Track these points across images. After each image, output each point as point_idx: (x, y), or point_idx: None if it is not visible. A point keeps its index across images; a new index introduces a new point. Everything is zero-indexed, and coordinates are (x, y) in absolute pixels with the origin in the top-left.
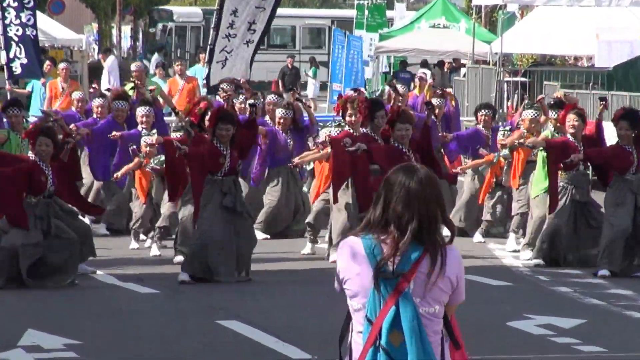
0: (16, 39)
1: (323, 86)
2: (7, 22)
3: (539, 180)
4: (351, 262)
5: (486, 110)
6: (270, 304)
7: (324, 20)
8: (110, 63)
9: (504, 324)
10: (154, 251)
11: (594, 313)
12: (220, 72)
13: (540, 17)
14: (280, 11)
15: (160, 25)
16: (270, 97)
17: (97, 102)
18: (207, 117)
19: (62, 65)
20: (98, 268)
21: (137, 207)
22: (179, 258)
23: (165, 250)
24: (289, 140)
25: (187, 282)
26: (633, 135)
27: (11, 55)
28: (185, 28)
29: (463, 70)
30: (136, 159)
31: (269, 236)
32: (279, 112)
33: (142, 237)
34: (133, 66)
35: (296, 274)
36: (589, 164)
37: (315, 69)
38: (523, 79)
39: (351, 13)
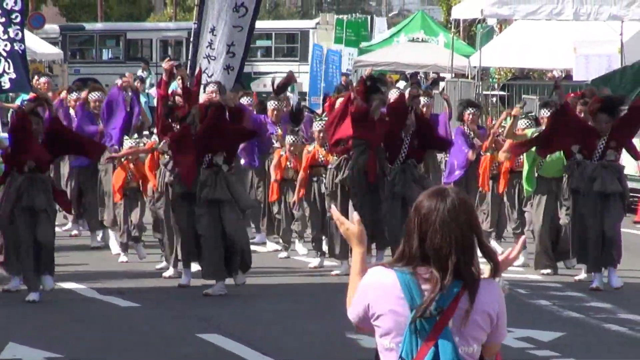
0: (4, 54)
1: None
2: None
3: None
4: (384, 297)
5: (472, 109)
6: (252, 317)
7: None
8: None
9: None
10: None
11: (572, 326)
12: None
13: (518, 31)
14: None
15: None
16: (271, 103)
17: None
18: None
19: (43, 79)
20: (79, 282)
21: (110, 207)
22: (170, 272)
23: (145, 264)
24: (276, 131)
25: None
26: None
27: (0, 70)
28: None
29: (442, 84)
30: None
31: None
32: (271, 103)
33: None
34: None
35: (278, 287)
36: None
37: (293, 85)
38: (502, 93)
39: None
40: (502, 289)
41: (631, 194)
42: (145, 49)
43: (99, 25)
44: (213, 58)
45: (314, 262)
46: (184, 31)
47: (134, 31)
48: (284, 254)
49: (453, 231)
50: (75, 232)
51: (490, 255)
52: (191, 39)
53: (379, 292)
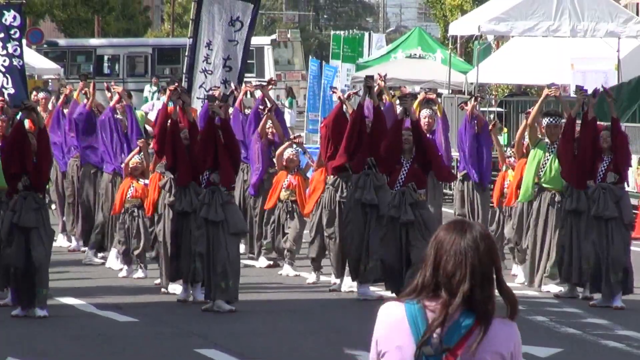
0: (3, 69)
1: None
2: None
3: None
4: (391, 332)
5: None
6: (249, 332)
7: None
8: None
9: None
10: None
11: (569, 342)
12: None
13: (515, 48)
14: None
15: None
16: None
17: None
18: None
19: (41, 95)
20: (77, 297)
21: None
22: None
23: (143, 279)
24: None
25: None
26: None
27: None
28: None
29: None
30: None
31: (271, 262)
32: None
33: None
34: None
35: (275, 303)
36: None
37: (292, 99)
38: (499, 109)
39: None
40: None
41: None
42: (114, 65)
43: (70, 42)
44: (210, 72)
45: (311, 278)
46: (148, 47)
47: (103, 47)
48: (284, 270)
49: (469, 259)
50: (73, 246)
51: (508, 294)
52: (186, 54)
53: (386, 328)
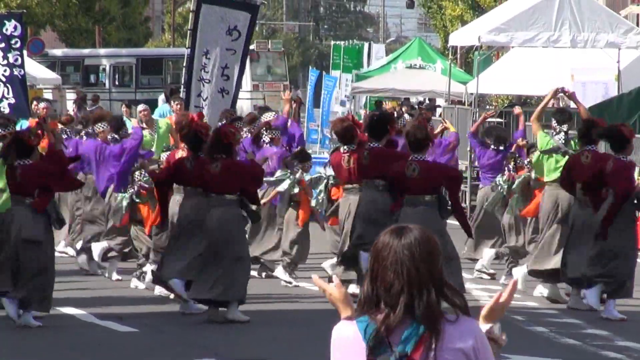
0: (4, 79)
1: None
2: None
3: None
4: (347, 353)
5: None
6: (249, 342)
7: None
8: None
9: None
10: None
11: (569, 353)
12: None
13: (515, 58)
14: None
15: None
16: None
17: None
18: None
19: (42, 105)
20: (77, 307)
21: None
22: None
23: (143, 290)
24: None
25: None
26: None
27: None
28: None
29: (439, 110)
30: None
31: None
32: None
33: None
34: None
35: (276, 313)
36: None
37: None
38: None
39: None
40: (498, 338)
41: None
42: (100, 75)
43: (60, 52)
44: (207, 81)
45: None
46: (133, 58)
47: (90, 57)
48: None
49: (406, 267)
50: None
51: (451, 299)
52: (184, 64)
53: (341, 350)
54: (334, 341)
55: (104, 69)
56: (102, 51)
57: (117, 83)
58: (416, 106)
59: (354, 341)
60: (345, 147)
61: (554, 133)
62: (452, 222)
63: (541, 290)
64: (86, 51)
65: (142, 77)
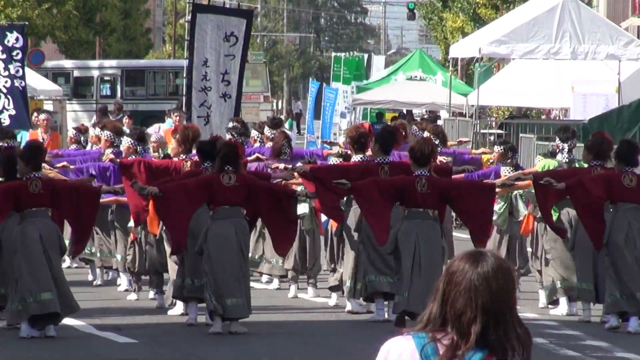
0: (5, 90)
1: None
2: None
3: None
4: None
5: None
6: (248, 354)
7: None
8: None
9: None
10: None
11: None
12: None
13: (516, 70)
14: None
15: None
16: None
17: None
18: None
19: (43, 116)
20: (76, 317)
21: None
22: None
23: (142, 299)
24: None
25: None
26: None
27: (0, 106)
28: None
29: (439, 122)
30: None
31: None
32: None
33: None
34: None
35: (275, 324)
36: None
37: (292, 121)
38: (499, 131)
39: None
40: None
41: None
42: (88, 87)
43: (50, 64)
44: (209, 89)
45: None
46: (118, 69)
47: (79, 69)
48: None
49: (480, 297)
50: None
51: (520, 336)
52: (184, 75)
53: None
54: (385, 354)
55: (92, 81)
56: (91, 63)
57: (103, 95)
58: (418, 118)
59: (412, 356)
60: (356, 156)
61: (558, 150)
62: (457, 234)
63: (543, 300)
64: (74, 62)
65: (126, 89)
